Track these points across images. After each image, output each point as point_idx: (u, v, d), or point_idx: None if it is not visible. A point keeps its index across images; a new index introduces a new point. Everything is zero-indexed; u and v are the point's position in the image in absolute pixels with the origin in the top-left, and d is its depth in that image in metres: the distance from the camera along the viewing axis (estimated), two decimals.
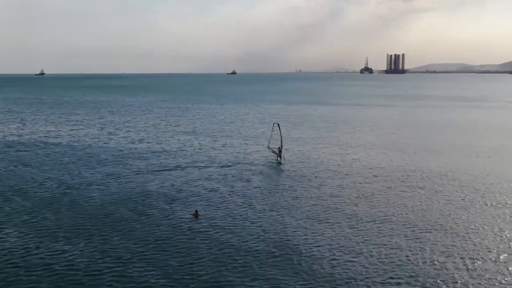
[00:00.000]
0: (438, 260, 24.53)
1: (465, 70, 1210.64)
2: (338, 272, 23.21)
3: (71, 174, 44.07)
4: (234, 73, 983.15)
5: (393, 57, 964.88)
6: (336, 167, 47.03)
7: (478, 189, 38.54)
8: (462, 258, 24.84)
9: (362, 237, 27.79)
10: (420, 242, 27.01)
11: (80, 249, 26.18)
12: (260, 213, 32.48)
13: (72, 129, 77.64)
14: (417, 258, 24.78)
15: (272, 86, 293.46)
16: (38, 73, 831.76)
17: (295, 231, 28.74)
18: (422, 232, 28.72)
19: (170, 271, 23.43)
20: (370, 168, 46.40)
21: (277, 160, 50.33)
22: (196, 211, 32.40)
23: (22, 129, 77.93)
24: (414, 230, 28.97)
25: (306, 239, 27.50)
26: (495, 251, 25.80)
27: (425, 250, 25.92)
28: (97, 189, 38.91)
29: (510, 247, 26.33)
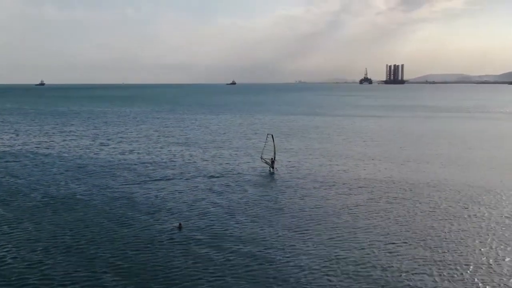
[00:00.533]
0: (413, 272, 24.44)
1: (464, 80, 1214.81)
2: (312, 284, 23.12)
3: (57, 185, 44.07)
4: (234, 83, 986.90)
5: (392, 67, 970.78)
6: (323, 178, 47.02)
7: (459, 200, 38.49)
8: (440, 270, 24.76)
9: (340, 249, 27.73)
10: (398, 254, 26.95)
11: (57, 260, 26.11)
12: (242, 224, 32.42)
13: (64, 140, 77.66)
14: (393, 270, 24.71)
15: (270, 97, 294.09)
16: (38, 83, 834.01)
17: (273, 244, 28.67)
18: (400, 244, 28.67)
19: (143, 282, 23.43)
20: (357, 179, 46.38)
21: (269, 171, 50.35)
22: (180, 223, 32.30)
23: (15, 140, 77.95)
24: (393, 242, 28.91)
25: (284, 251, 27.44)
26: (472, 264, 25.72)
27: (402, 262, 25.85)
28: (81, 200, 38.90)
29: (489, 260, 26.22)
